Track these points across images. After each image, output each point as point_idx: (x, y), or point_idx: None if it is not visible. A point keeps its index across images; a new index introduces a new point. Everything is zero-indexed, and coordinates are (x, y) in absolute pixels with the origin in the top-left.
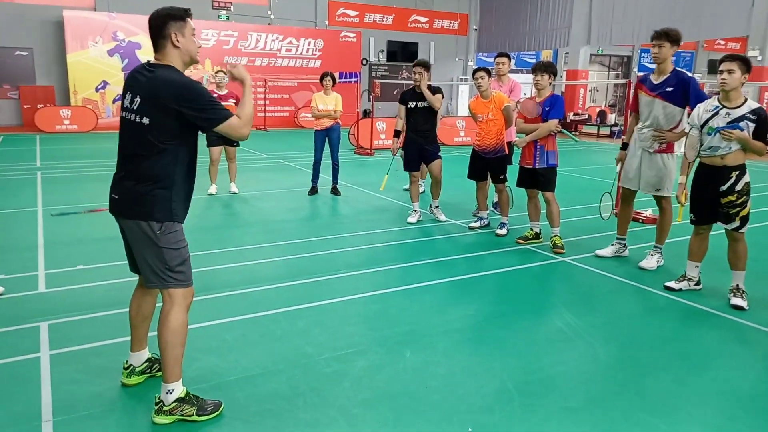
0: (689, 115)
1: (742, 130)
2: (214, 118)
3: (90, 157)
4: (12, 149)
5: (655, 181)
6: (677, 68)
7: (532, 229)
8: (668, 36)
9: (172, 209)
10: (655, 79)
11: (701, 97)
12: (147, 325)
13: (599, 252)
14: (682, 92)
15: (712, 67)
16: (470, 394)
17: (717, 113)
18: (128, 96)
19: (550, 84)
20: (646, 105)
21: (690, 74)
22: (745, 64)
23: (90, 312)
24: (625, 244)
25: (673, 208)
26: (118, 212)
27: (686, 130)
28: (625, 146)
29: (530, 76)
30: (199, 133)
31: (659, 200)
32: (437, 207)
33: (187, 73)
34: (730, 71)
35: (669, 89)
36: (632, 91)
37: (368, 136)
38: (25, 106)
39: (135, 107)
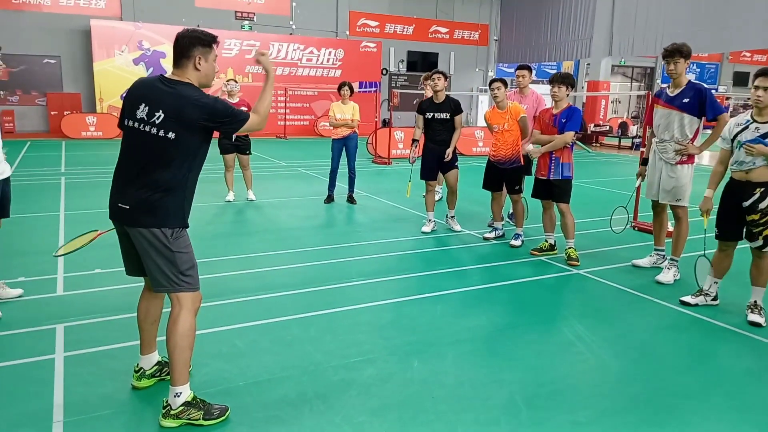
0: (705, 126)
1: (766, 145)
2: (236, 125)
3: (113, 163)
4: (38, 155)
5: (674, 190)
6: (692, 80)
7: (546, 241)
8: (681, 52)
9: (184, 215)
10: (672, 92)
11: (717, 107)
12: (155, 328)
13: (636, 261)
14: (699, 103)
15: (738, 80)
16: (477, 406)
17: (747, 127)
18: (144, 107)
19: (568, 95)
20: (663, 117)
21: (705, 85)
22: None
23: (106, 315)
24: (663, 255)
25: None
26: (129, 221)
27: (718, 144)
28: (645, 161)
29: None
30: (212, 140)
31: (676, 210)
32: (453, 217)
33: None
34: (766, 89)
35: (686, 100)
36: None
37: (386, 146)
38: (52, 113)
39: (157, 121)
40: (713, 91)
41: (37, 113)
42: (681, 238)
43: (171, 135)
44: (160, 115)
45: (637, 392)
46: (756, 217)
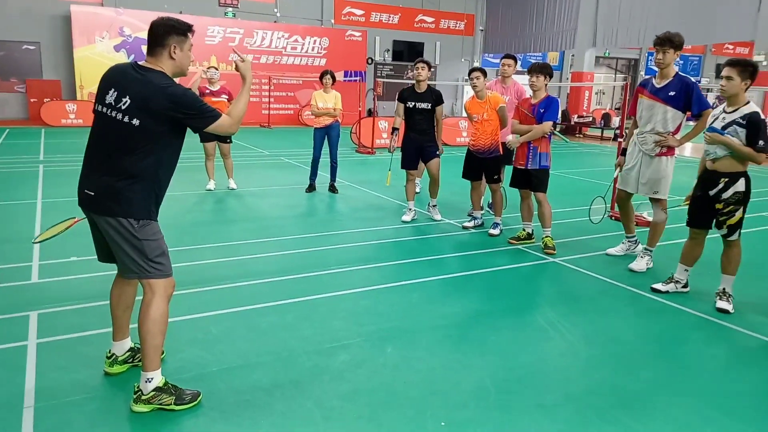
0: (688, 119)
1: (723, 134)
2: (204, 122)
3: None
4: (17, 142)
5: (652, 183)
6: (680, 73)
7: (524, 230)
8: (672, 42)
9: (150, 209)
10: (658, 83)
11: (703, 102)
12: (128, 314)
13: (610, 251)
14: (685, 97)
15: (720, 72)
16: (447, 390)
17: (718, 117)
18: (113, 92)
19: (546, 85)
20: (646, 108)
21: (693, 79)
22: (747, 69)
23: (80, 302)
24: (636, 240)
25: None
26: (93, 209)
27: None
28: (624, 152)
29: None
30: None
31: (654, 202)
32: (434, 206)
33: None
34: (728, 78)
35: (672, 93)
36: (630, 95)
37: (370, 135)
38: (32, 100)
39: (123, 107)
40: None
41: (17, 100)
42: (657, 230)
43: (135, 122)
44: (126, 101)
45: (604, 377)
46: (720, 206)
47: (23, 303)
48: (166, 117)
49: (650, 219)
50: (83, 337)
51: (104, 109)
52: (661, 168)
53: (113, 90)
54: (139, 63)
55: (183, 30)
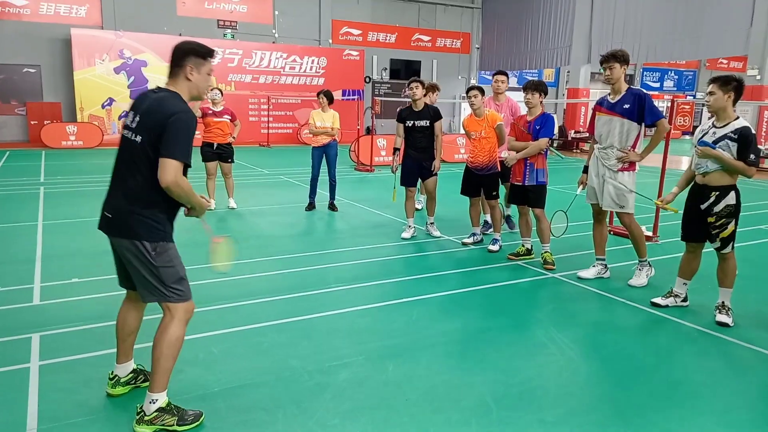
0: (646, 135)
1: (714, 148)
2: (172, 151)
3: (93, 172)
4: (17, 164)
5: (617, 198)
6: (631, 87)
7: (523, 246)
8: (616, 57)
9: (163, 230)
10: (612, 99)
11: (656, 113)
12: (133, 337)
13: (581, 273)
14: (639, 108)
15: None
16: (448, 407)
17: (707, 132)
18: (132, 115)
19: (541, 102)
20: (604, 124)
21: (645, 91)
22: (726, 84)
23: (82, 324)
24: (605, 264)
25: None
26: (110, 231)
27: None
28: (586, 169)
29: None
30: (194, 148)
31: (622, 218)
32: (432, 224)
33: None
34: (711, 93)
35: (626, 106)
36: (590, 114)
37: (369, 153)
38: (32, 122)
39: (133, 126)
40: (691, 97)
41: (17, 123)
42: (638, 242)
43: (138, 138)
44: (136, 120)
45: (604, 392)
46: (713, 219)
47: (25, 325)
48: (158, 135)
49: (648, 234)
50: (85, 359)
51: (124, 132)
52: (624, 183)
53: (132, 113)
54: (159, 86)
55: (202, 53)
